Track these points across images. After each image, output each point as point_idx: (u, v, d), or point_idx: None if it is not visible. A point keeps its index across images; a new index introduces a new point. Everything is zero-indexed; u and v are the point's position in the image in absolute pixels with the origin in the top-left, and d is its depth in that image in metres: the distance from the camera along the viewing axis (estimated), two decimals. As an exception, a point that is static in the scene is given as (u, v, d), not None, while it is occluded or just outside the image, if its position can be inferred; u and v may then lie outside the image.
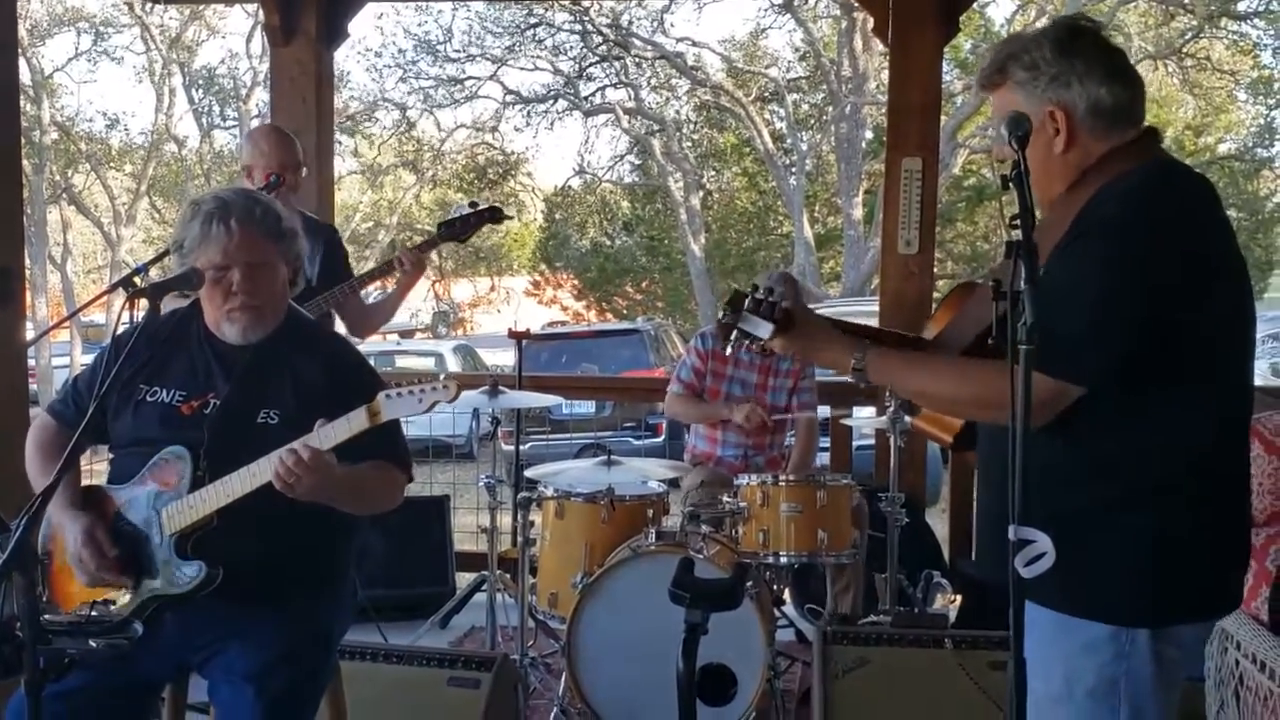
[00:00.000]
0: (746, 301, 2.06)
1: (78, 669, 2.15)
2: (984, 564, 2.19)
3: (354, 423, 2.24)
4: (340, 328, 4.16)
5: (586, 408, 11.05)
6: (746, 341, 2.07)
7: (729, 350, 2.11)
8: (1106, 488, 1.87)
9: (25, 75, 22.15)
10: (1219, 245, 1.91)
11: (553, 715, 3.75)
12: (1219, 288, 1.88)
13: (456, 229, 4.06)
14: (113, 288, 2.65)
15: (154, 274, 3.32)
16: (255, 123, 23.74)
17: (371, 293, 4.66)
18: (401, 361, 15.83)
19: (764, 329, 2.03)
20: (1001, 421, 1.79)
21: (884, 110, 19.50)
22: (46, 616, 2.08)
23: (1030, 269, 1.58)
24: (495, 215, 4.11)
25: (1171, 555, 1.87)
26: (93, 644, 2.00)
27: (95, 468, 2.70)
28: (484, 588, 4.69)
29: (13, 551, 1.91)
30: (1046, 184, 1.98)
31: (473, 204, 4.11)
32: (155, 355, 2.51)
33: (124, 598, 2.34)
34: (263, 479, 2.27)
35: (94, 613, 2.09)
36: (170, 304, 2.45)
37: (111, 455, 2.54)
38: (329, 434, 2.24)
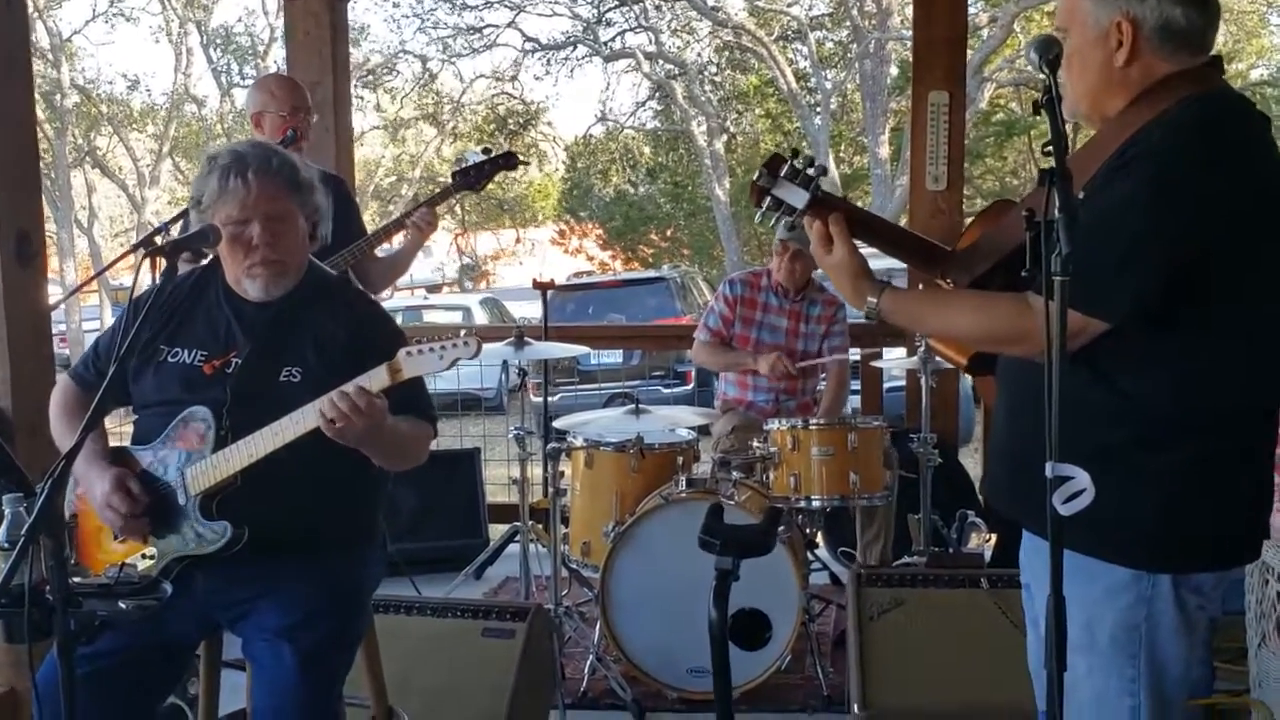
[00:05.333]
0: (785, 167, 1.92)
1: (108, 631, 2.15)
2: (997, 497, 2.12)
3: (374, 381, 2.21)
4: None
5: (615, 357, 11.02)
6: (776, 214, 1.94)
7: (758, 218, 1.96)
8: (1133, 428, 1.81)
9: (44, 38, 22.12)
10: (1271, 185, 1.81)
11: (588, 663, 3.76)
12: (1265, 230, 1.79)
13: (471, 177, 4.00)
14: (133, 248, 2.63)
15: (175, 233, 3.30)
16: (275, 80, 23.63)
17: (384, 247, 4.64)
18: (429, 316, 15.82)
19: (799, 198, 1.90)
20: (1018, 354, 1.82)
21: (909, 46, 19.19)
22: (75, 579, 2.08)
23: (1064, 197, 1.52)
24: (510, 161, 4.05)
25: (1197, 501, 1.81)
26: (122, 605, 1.99)
27: (124, 429, 2.69)
28: (517, 539, 4.69)
29: (39, 514, 1.90)
30: (1105, 98, 1.91)
31: (486, 150, 4.04)
32: (175, 315, 2.49)
33: (146, 561, 2.34)
34: (287, 437, 2.25)
35: (122, 574, 2.08)
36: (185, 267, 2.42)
37: (135, 417, 2.52)
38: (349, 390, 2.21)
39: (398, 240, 4.39)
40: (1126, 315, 1.75)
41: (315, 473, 2.33)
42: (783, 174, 1.92)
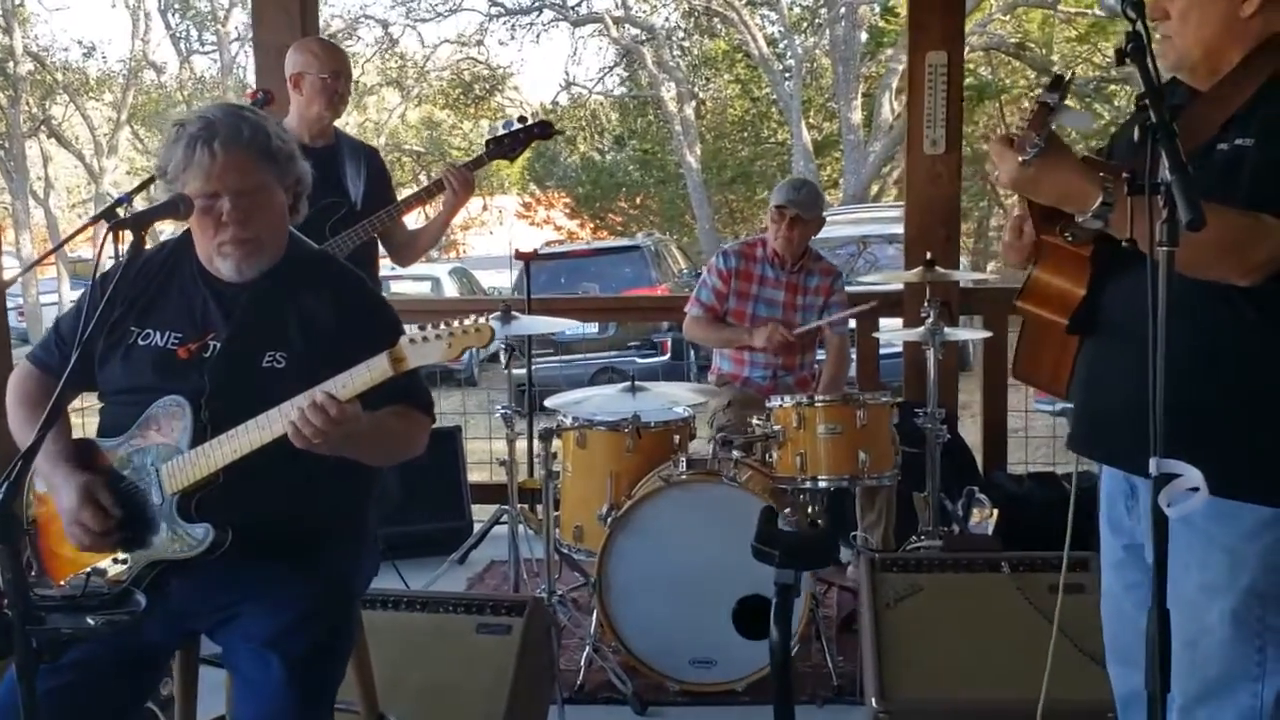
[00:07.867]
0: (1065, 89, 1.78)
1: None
2: (1124, 454, 1.99)
3: (375, 371, 2.01)
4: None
5: (591, 328, 10.81)
6: (1040, 138, 1.71)
7: (1028, 133, 1.72)
8: None
9: (-5, 4, 21.51)
10: None
11: (585, 654, 3.57)
12: None
13: (505, 146, 3.92)
14: (95, 219, 2.41)
15: (139, 203, 3.06)
16: (235, 46, 23.20)
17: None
18: (397, 286, 15.43)
19: (1085, 120, 1.83)
20: (1217, 271, 1.71)
21: (877, 11, 18.95)
22: (37, 591, 1.86)
23: (1174, 156, 1.33)
24: (545, 130, 3.99)
25: None
26: (90, 621, 1.78)
27: (86, 422, 2.47)
28: (503, 520, 4.49)
29: (-6, 521, 1.68)
30: (1224, 50, 1.79)
31: (521, 119, 3.97)
32: (145, 293, 2.27)
33: (117, 566, 2.11)
34: (275, 431, 2.04)
35: (89, 585, 1.86)
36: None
37: (101, 405, 2.30)
38: (347, 383, 2.01)
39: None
40: None
41: (303, 468, 2.10)
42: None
